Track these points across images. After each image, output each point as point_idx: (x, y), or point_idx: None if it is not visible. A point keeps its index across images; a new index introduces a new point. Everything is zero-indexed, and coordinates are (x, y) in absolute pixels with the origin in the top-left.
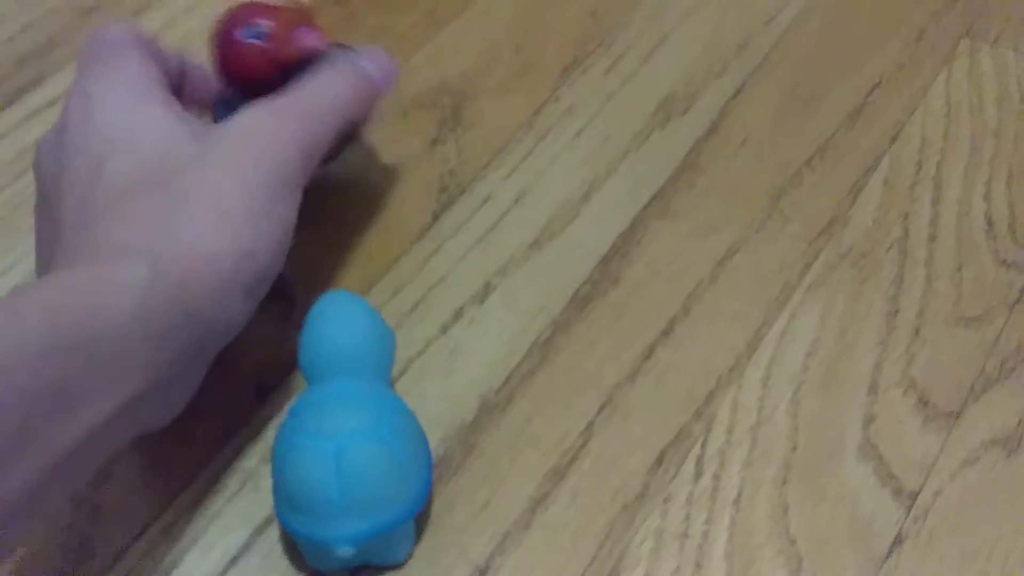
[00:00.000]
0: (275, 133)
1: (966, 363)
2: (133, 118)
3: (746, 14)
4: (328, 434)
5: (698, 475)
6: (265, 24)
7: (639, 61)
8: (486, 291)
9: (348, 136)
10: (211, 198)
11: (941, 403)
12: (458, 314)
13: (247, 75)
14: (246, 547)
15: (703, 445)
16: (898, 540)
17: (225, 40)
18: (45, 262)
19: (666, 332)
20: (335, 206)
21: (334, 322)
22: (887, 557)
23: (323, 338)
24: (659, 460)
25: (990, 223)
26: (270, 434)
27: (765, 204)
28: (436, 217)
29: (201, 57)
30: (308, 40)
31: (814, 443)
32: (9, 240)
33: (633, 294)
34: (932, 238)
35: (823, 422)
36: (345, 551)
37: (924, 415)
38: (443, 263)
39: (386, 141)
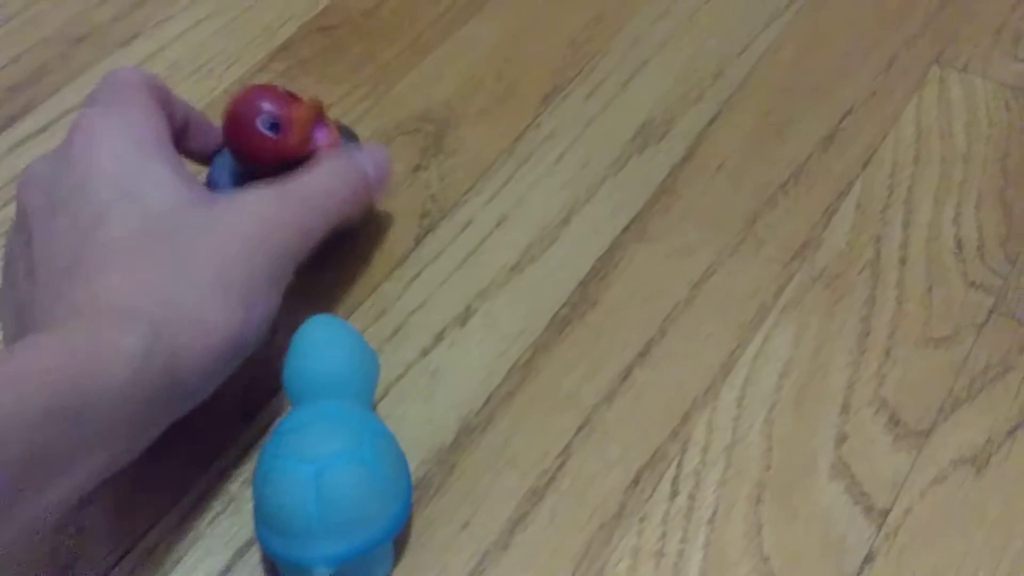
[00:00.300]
0: (278, 217)
1: (936, 383)
2: (141, 170)
3: (721, 43)
4: (309, 456)
5: (674, 494)
6: (283, 118)
7: (617, 88)
8: (467, 314)
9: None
10: (214, 271)
11: (911, 422)
12: (439, 337)
13: (257, 160)
14: (227, 569)
15: (679, 465)
16: (869, 557)
17: (242, 123)
18: (21, 289)
19: (643, 354)
20: None
21: (318, 345)
22: (859, 573)
23: (307, 361)
24: (636, 480)
25: (960, 246)
26: (253, 457)
27: (740, 228)
28: (418, 242)
29: (193, 90)
30: (321, 141)
31: (787, 462)
32: None
33: (611, 316)
34: (903, 260)
35: (796, 442)
36: (323, 572)
37: (895, 434)
38: (425, 287)
39: None
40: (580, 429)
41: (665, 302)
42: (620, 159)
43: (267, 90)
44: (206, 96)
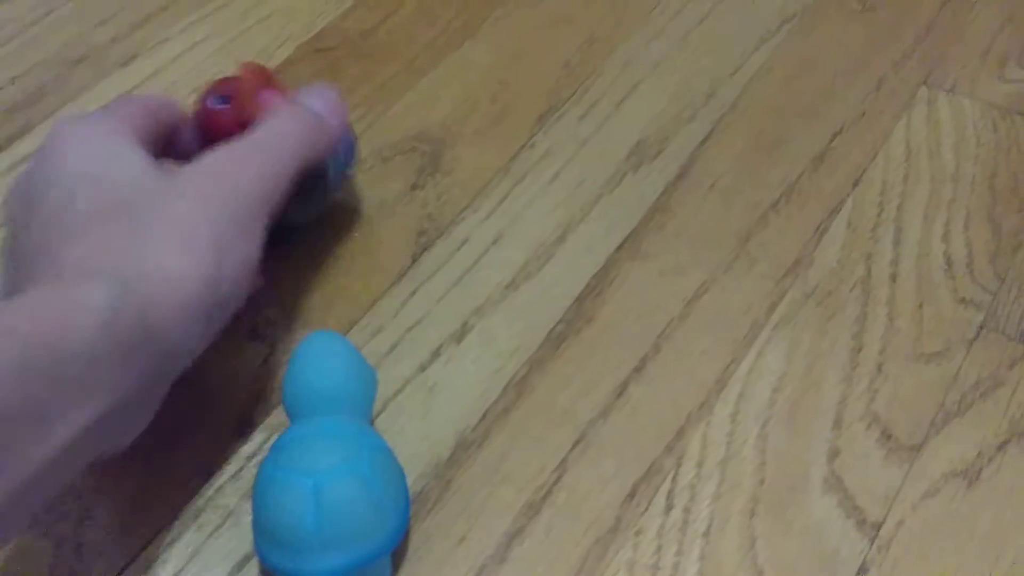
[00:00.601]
0: (236, 169)
1: (927, 398)
2: (105, 154)
3: (713, 64)
4: (307, 469)
5: (669, 508)
6: (230, 90)
7: (611, 109)
8: (463, 331)
9: (316, 178)
10: (177, 226)
11: (903, 437)
12: (436, 353)
13: (216, 136)
14: None
15: (674, 479)
16: (862, 569)
17: (198, 110)
18: (10, 292)
19: (638, 370)
20: (317, 249)
21: (317, 361)
22: None
23: (306, 376)
24: (631, 494)
25: (949, 263)
26: (251, 472)
27: (733, 246)
28: (415, 259)
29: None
30: (268, 100)
31: (781, 476)
32: None
33: (606, 333)
34: (894, 277)
35: (789, 456)
36: None
37: (887, 448)
38: (422, 304)
39: (367, 186)
40: (576, 444)
41: (659, 319)
42: (614, 178)
43: (220, 79)
44: None
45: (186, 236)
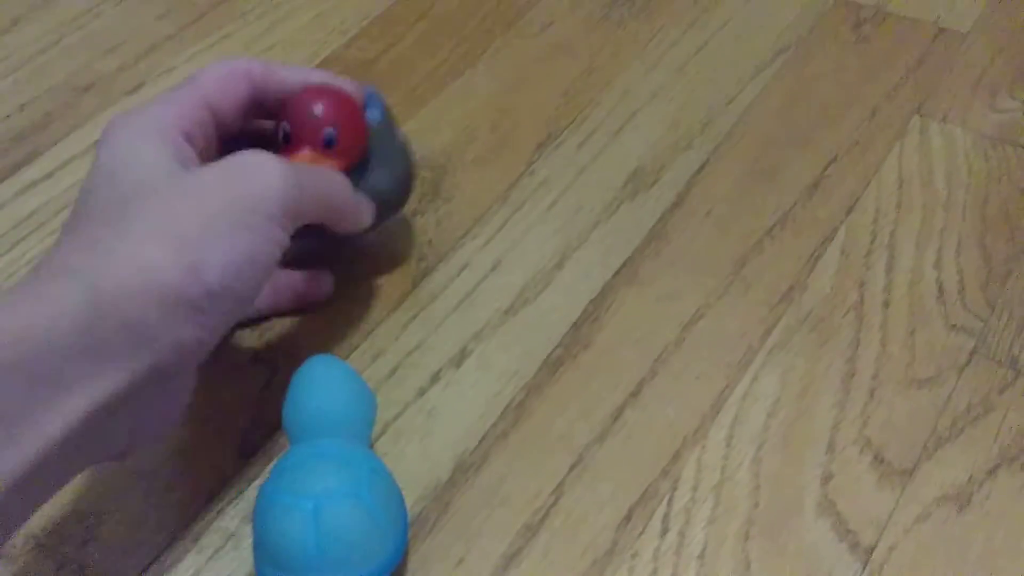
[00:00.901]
0: (255, 168)
1: (919, 423)
2: (129, 152)
3: (709, 94)
4: (307, 492)
5: (664, 531)
6: (340, 136)
7: (609, 137)
8: (462, 355)
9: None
10: (160, 221)
11: (895, 461)
12: (435, 378)
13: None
14: None
15: (669, 502)
16: None
17: (306, 130)
18: None
19: (634, 394)
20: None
21: (317, 385)
22: None
23: (306, 400)
24: (627, 517)
25: (941, 290)
26: (252, 495)
27: (728, 272)
28: (415, 284)
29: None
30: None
31: (775, 500)
32: None
33: (603, 358)
34: (886, 304)
35: (783, 480)
36: None
37: (879, 472)
38: (421, 329)
39: None
40: (573, 467)
41: (656, 344)
42: (612, 205)
43: (333, 95)
44: None
45: (167, 227)
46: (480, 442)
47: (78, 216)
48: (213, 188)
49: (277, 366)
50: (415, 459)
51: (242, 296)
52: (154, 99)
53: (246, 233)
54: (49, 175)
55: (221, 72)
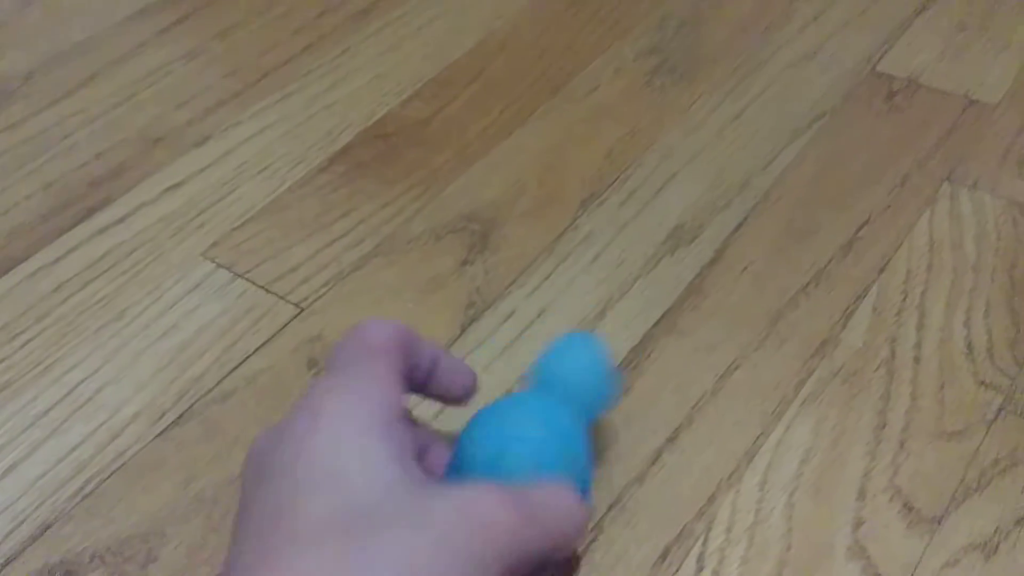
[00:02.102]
0: (493, 527)
1: (948, 473)
2: (353, 451)
3: (747, 157)
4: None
5: (699, 570)
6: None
7: (651, 195)
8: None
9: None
10: (411, 559)
11: (925, 509)
12: None
13: None
14: None
15: (704, 543)
16: None
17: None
18: (233, 564)
19: (672, 439)
20: None
21: (588, 356)
22: None
23: (572, 363)
24: (663, 555)
25: (970, 347)
26: None
27: (764, 325)
28: (463, 330)
29: (259, 189)
30: None
31: (807, 543)
32: (75, 341)
33: (642, 403)
34: (917, 360)
35: (815, 524)
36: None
37: (909, 520)
38: None
39: (420, 262)
40: (612, 507)
41: (693, 392)
42: (652, 260)
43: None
44: (271, 194)
45: (402, 561)
46: None
47: (282, 510)
48: (445, 531)
49: None
50: None
51: None
52: (342, 359)
53: None
54: (121, 220)
55: (400, 337)
